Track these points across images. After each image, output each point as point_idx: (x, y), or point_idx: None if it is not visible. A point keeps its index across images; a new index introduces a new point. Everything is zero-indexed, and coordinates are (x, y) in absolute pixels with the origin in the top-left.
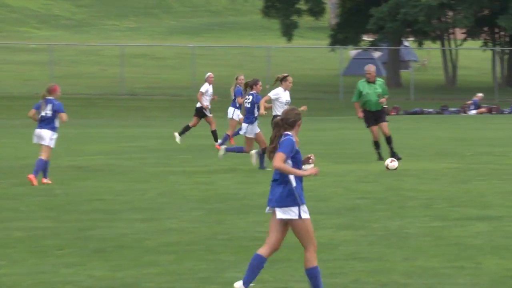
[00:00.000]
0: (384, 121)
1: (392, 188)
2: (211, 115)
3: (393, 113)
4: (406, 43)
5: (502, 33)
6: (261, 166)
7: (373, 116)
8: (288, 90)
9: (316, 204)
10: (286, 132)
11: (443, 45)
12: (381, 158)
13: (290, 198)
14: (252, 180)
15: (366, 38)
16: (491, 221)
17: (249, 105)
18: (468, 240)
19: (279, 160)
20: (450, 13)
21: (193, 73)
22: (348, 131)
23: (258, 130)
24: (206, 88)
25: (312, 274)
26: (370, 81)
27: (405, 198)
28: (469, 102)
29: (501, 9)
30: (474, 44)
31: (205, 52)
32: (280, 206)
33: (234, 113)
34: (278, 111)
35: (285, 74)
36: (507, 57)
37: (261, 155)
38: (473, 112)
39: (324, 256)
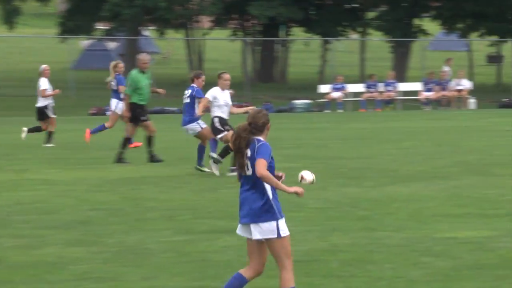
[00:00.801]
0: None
1: (129, 198)
2: (54, 116)
3: None
4: (146, 33)
5: (254, 21)
6: (199, 163)
7: (144, 111)
8: (227, 90)
9: (41, 217)
10: (256, 138)
11: (187, 35)
12: (121, 160)
13: (266, 212)
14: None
15: (101, 27)
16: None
17: (188, 100)
18: (215, 256)
19: (264, 167)
20: None
21: None
22: (81, 133)
23: (204, 126)
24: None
25: None
26: (144, 72)
27: (144, 209)
28: None
29: None
30: (223, 34)
31: None
32: (257, 222)
33: (118, 106)
34: (217, 113)
35: (221, 72)
36: (259, 49)
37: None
38: None
39: (51, 277)
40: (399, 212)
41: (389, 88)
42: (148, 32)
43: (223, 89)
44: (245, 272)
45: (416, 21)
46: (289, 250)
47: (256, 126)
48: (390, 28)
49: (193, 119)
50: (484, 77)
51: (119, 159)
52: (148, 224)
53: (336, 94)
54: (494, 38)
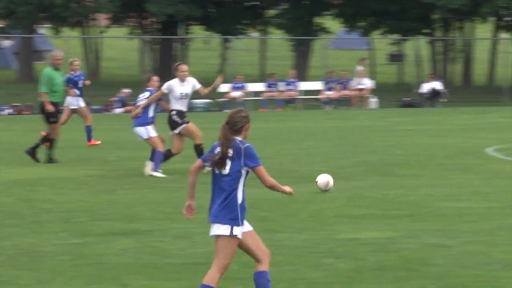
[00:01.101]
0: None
1: (25, 200)
2: None
3: (27, 113)
4: (41, 31)
5: (153, 19)
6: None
7: (57, 111)
8: (187, 81)
9: None
10: (235, 138)
11: (84, 33)
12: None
13: (230, 214)
14: None
15: None
16: (139, 236)
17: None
18: (112, 259)
19: (268, 176)
20: None
21: None
22: None
23: (152, 135)
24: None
25: None
26: (57, 69)
27: (39, 211)
28: (114, 98)
29: None
30: (120, 32)
31: None
32: (220, 222)
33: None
34: (175, 106)
35: (178, 63)
36: (158, 47)
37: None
38: (119, 110)
39: None
40: (300, 213)
41: (290, 87)
42: (44, 30)
43: (182, 80)
44: (259, 266)
45: (317, 20)
46: (233, 253)
47: (234, 127)
48: (291, 26)
49: (143, 122)
50: (385, 76)
51: (50, 160)
52: (44, 226)
53: (236, 93)
54: (396, 36)
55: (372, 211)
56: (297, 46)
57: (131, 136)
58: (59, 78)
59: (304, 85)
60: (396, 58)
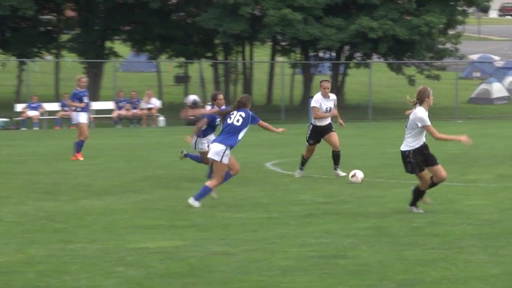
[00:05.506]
0: None
1: None
2: None
3: None
4: None
5: None
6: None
7: None
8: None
9: None
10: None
11: None
12: None
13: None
14: None
15: None
16: None
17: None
18: None
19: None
20: None
21: None
22: None
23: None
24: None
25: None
26: None
27: None
28: None
29: None
30: None
31: None
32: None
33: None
34: None
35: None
36: None
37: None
38: None
39: None
40: (93, 224)
41: None
42: None
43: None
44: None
45: (108, 44)
46: (223, 171)
47: (241, 105)
48: (83, 50)
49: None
50: (172, 96)
51: None
52: None
53: (32, 113)
54: (181, 59)
55: (161, 221)
56: (89, 68)
57: None
58: None
59: (97, 105)
60: (182, 79)
